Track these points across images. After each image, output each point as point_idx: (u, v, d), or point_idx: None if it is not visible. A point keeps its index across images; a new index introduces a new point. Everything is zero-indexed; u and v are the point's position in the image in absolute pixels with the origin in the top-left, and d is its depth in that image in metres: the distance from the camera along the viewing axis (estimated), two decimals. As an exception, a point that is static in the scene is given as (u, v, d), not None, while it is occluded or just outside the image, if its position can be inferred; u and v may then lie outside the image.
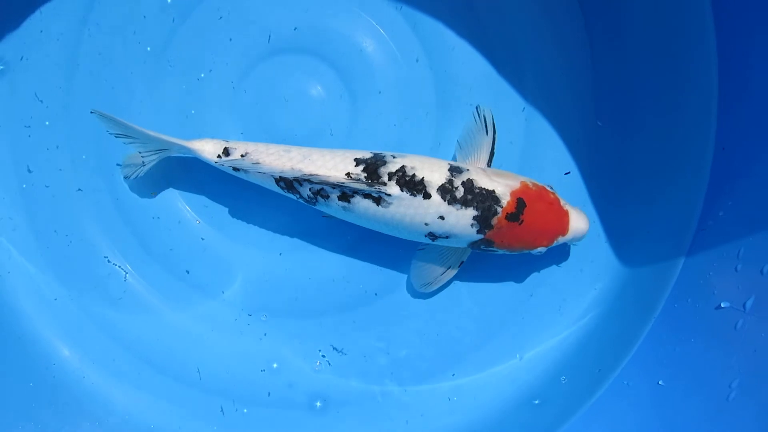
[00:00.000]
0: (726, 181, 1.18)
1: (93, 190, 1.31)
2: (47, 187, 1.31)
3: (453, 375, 1.29)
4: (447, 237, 1.15)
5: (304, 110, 1.30)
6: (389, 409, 1.28)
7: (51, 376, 1.27)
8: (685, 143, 1.24)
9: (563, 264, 1.29)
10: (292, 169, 1.15)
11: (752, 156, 1.12)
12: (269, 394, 1.29)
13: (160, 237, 1.31)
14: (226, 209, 1.31)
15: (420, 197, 1.12)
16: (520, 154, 1.29)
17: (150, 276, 1.31)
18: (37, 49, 1.29)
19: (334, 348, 1.30)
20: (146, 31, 1.30)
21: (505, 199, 1.12)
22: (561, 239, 1.16)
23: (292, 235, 1.31)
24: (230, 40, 1.30)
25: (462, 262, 1.23)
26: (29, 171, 1.30)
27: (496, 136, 1.21)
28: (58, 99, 1.30)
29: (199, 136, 1.22)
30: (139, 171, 1.24)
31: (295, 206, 1.27)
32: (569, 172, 1.29)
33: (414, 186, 1.12)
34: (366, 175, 1.13)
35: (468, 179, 1.13)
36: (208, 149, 1.20)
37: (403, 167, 1.13)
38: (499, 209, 1.12)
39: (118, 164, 1.30)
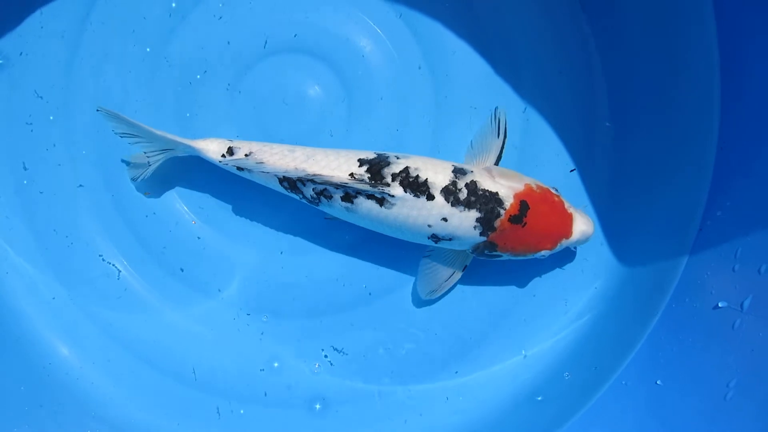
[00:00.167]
0: (724, 181, 1.18)
1: (92, 190, 1.31)
2: (45, 185, 1.31)
3: (456, 373, 1.29)
4: (450, 239, 1.15)
5: (302, 111, 1.30)
6: (388, 408, 1.29)
7: (48, 376, 1.27)
8: (686, 143, 1.24)
9: (563, 263, 1.29)
10: (296, 169, 1.15)
11: (750, 156, 1.12)
12: (266, 394, 1.29)
13: (159, 236, 1.31)
14: (226, 209, 1.31)
15: (423, 198, 1.12)
16: (520, 154, 1.29)
17: (149, 276, 1.31)
18: (37, 45, 1.29)
19: (334, 348, 1.30)
20: (145, 30, 1.30)
21: (509, 201, 1.12)
22: (565, 242, 1.16)
23: (292, 235, 1.31)
24: (228, 43, 1.30)
25: (465, 266, 1.23)
26: (25, 168, 1.30)
27: (506, 140, 1.21)
28: (57, 96, 1.30)
29: (197, 137, 1.22)
30: (145, 172, 1.24)
31: (294, 206, 1.28)
32: (574, 169, 1.29)
33: (417, 187, 1.12)
34: (369, 175, 1.13)
35: (471, 181, 1.13)
36: (212, 149, 1.19)
37: (406, 168, 1.13)
38: (502, 211, 1.12)
39: (123, 160, 1.30)
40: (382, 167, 1.13)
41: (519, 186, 1.13)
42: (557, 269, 1.29)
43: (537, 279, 1.29)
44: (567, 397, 1.25)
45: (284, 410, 1.29)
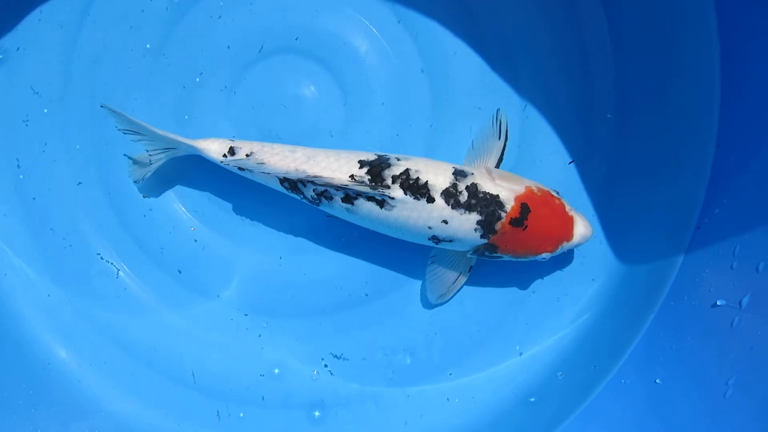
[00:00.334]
0: (722, 178, 1.18)
1: (90, 189, 1.31)
2: (42, 183, 1.31)
3: (450, 374, 1.29)
4: (450, 241, 1.15)
5: (300, 113, 1.30)
6: (388, 410, 1.28)
7: (47, 376, 1.27)
8: (684, 140, 1.24)
9: (562, 262, 1.29)
10: (297, 170, 1.15)
11: (748, 153, 1.12)
12: (263, 398, 1.29)
13: (157, 237, 1.31)
14: (225, 209, 1.31)
15: (423, 201, 1.11)
16: (519, 152, 1.29)
17: (148, 277, 1.31)
18: (35, 40, 1.29)
19: (334, 356, 1.30)
20: (143, 28, 1.30)
21: (510, 204, 1.12)
22: (566, 245, 1.16)
23: (291, 236, 1.31)
24: (228, 47, 1.30)
25: (471, 267, 1.23)
26: (18, 166, 1.30)
27: (507, 142, 1.21)
28: (54, 92, 1.30)
29: (196, 137, 1.22)
30: (147, 172, 1.24)
31: (295, 207, 1.28)
32: (573, 161, 1.28)
33: (418, 189, 1.12)
34: (370, 177, 1.13)
35: (472, 183, 1.12)
36: (213, 148, 1.20)
37: (407, 170, 1.13)
38: (503, 214, 1.11)
39: (124, 154, 1.30)
40: (383, 169, 1.13)
41: (520, 188, 1.13)
42: (555, 269, 1.29)
43: (535, 279, 1.29)
44: (566, 396, 1.25)
45: (284, 414, 1.29)
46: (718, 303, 1.08)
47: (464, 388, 1.29)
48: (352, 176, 1.13)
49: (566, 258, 1.28)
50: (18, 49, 1.29)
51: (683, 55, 1.23)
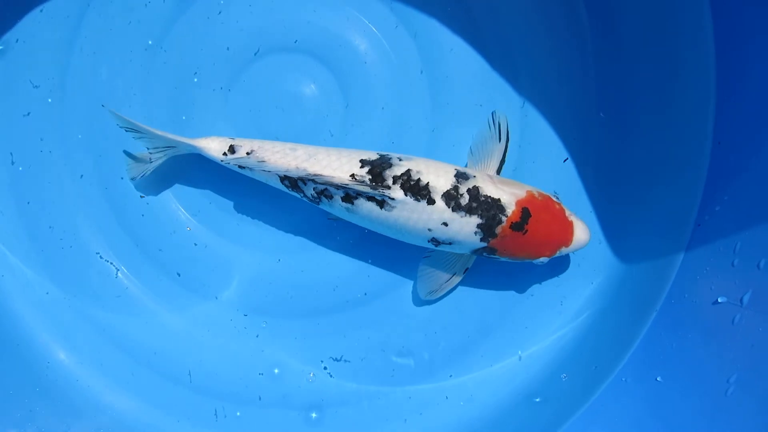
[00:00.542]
0: (722, 175, 1.18)
1: (88, 186, 1.31)
2: (40, 180, 1.30)
3: (450, 374, 1.29)
4: (450, 243, 1.15)
5: (300, 112, 1.30)
6: (387, 409, 1.28)
7: (45, 377, 1.27)
8: (682, 138, 1.24)
9: (560, 262, 1.29)
10: (297, 168, 1.14)
11: (748, 150, 1.12)
12: (260, 398, 1.29)
13: (156, 237, 1.31)
14: (224, 209, 1.31)
15: (424, 203, 1.11)
16: (518, 151, 1.29)
17: (147, 278, 1.31)
18: (35, 32, 1.29)
19: (333, 349, 1.30)
20: (144, 23, 1.29)
21: (511, 208, 1.11)
22: (564, 250, 1.16)
23: (290, 236, 1.31)
24: (227, 48, 1.30)
25: (467, 269, 1.23)
26: (12, 162, 1.30)
27: (509, 143, 1.20)
28: (54, 85, 1.30)
29: (194, 136, 1.21)
30: (145, 170, 1.24)
31: (294, 206, 1.28)
32: (567, 159, 1.28)
33: (418, 191, 1.11)
34: (371, 177, 1.12)
35: (474, 186, 1.12)
36: (213, 147, 1.19)
37: (408, 171, 1.12)
38: (504, 218, 1.11)
39: (124, 151, 1.29)
40: (384, 169, 1.12)
41: (521, 193, 1.13)
42: (555, 269, 1.29)
43: (535, 278, 1.29)
44: (567, 395, 1.25)
45: (283, 413, 1.29)
46: (719, 300, 1.08)
47: (464, 388, 1.28)
48: (352, 175, 1.12)
49: (566, 258, 1.28)
50: (17, 41, 1.29)
51: (680, 53, 1.23)
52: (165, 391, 1.29)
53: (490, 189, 1.12)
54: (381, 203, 1.12)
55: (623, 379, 1.21)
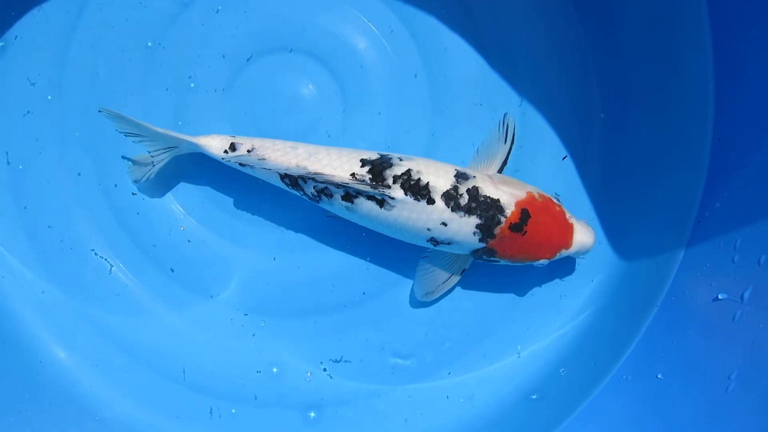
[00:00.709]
0: (722, 172, 1.18)
1: (86, 185, 1.30)
2: (37, 179, 1.30)
3: (449, 373, 1.28)
4: (449, 243, 1.15)
5: (298, 112, 1.29)
6: (388, 408, 1.28)
7: (44, 376, 1.27)
8: (681, 135, 1.24)
9: (560, 261, 1.27)
10: (297, 166, 1.14)
11: (748, 147, 1.12)
12: (255, 397, 1.29)
13: (155, 236, 1.31)
14: (222, 207, 1.31)
15: (423, 202, 1.11)
16: (517, 149, 1.28)
17: (145, 277, 1.31)
18: (34, 30, 1.29)
19: (332, 348, 1.29)
20: (142, 22, 1.29)
21: (510, 209, 1.11)
22: (564, 252, 1.16)
23: (289, 235, 1.31)
24: (224, 52, 1.29)
25: (464, 270, 1.23)
26: (8, 162, 1.30)
27: (513, 147, 1.21)
28: (52, 82, 1.29)
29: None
30: (149, 172, 1.24)
31: (293, 205, 1.27)
32: (566, 156, 1.28)
33: (418, 190, 1.11)
34: (371, 176, 1.12)
35: (473, 186, 1.12)
36: (214, 145, 1.19)
37: (408, 171, 1.12)
38: (503, 219, 1.11)
39: (123, 156, 1.29)
40: (384, 168, 1.12)
41: (521, 194, 1.13)
42: (555, 266, 1.28)
43: (535, 277, 1.29)
44: (568, 393, 1.25)
45: (280, 413, 1.28)
46: (720, 297, 1.07)
47: (464, 387, 1.28)
48: (353, 174, 1.12)
49: (566, 258, 1.28)
50: (16, 38, 1.29)
51: (678, 50, 1.23)
52: (161, 389, 1.29)
53: (489, 189, 1.12)
54: (381, 202, 1.12)
55: (624, 376, 1.20)
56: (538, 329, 1.29)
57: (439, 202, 1.11)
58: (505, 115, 1.22)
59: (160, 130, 1.19)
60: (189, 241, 1.31)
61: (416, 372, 1.29)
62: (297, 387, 1.29)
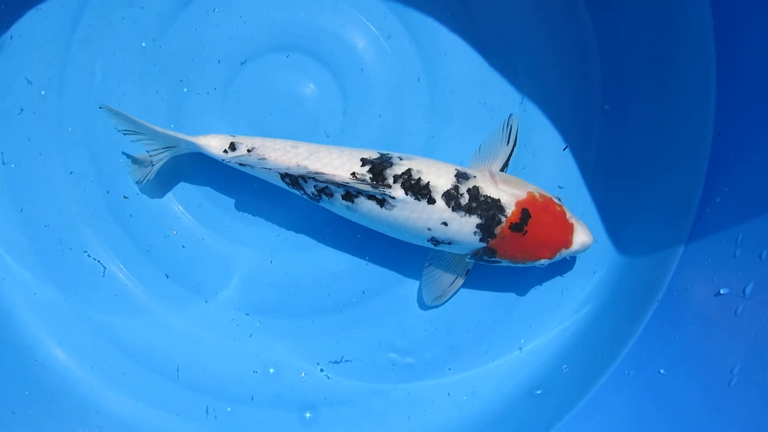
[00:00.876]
0: (723, 167, 1.18)
1: (84, 184, 1.30)
2: (35, 177, 1.30)
3: (450, 369, 1.29)
4: (449, 243, 1.15)
5: (297, 112, 1.29)
6: (390, 406, 1.28)
7: (44, 376, 1.26)
8: (682, 130, 1.24)
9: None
10: (298, 165, 1.14)
11: (749, 142, 1.12)
12: (252, 398, 1.29)
13: (155, 236, 1.31)
14: (221, 207, 1.30)
15: (424, 202, 1.11)
16: (521, 146, 1.27)
17: (144, 277, 1.31)
18: (31, 30, 1.28)
19: (333, 347, 1.29)
20: (141, 21, 1.29)
21: (510, 208, 1.11)
22: (564, 252, 1.16)
23: (289, 234, 1.30)
24: (224, 48, 1.29)
25: (468, 271, 1.23)
26: (3, 163, 1.29)
27: (515, 148, 1.21)
28: (48, 82, 1.29)
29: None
30: (149, 172, 1.23)
31: (293, 205, 1.27)
32: (567, 147, 1.28)
33: (419, 190, 1.11)
34: (371, 176, 1.12)
35: (474, 186, 1.12)
36: (214, 144, 1.19)
37: (409, 170, 1.12)
38: (503, 219, 1.11)
39: (123, 152, 1.29)
40: (385, 168, 1.12)
41: (521, 194, 1.13)
42: (556, 261, 1.28)
43: (535, 272, 1.29)
44: (569, 388, 1.25)
45: (278, 413, 1.28)
46: (722, 292, 1.08)
47: (467, 383, 1.28)
48: (353, 174, 1.12)
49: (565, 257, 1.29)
50: (11, 38, 1.28)
51: (680, 45, 1.23)
52: (159, 388, 1.28)
53: (490, 189, 1.12)
54: (381, 202, 1.12)
55: (626, 371, 1.21)
56: (538, 325, 1.29)
57: (440, 202, 1.11)
58: (510, 116, 1.22)
59: (159, 129, 1.19)
60: (190, 242, 1.30)
61: (417, 370, 1.29)
62: (296, 386, 1.28)
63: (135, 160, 1.27)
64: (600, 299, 1.28)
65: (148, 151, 1.22)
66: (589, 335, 1.27)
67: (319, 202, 1.18)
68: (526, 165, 1.28)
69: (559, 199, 1.17)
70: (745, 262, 1.05)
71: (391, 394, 1.28)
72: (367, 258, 1.30)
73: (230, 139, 1.18)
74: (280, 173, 1.16)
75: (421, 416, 1.28)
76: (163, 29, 1.29)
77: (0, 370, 1.23)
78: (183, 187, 1.30)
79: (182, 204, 1.31)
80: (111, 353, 1.29)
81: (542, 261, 1.16)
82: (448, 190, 1.11)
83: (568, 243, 1.15)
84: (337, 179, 1.12)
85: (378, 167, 1.12)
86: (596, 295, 1.28)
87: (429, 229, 1.13)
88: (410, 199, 1.11)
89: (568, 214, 1.16)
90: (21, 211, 1.30)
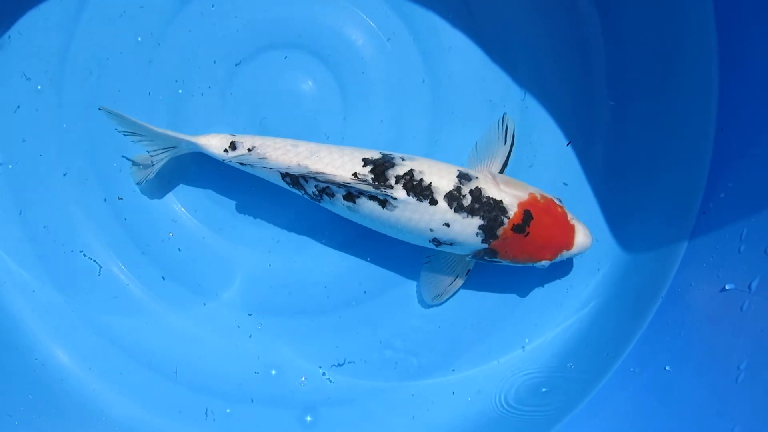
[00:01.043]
0: (726, 162, 1.18)
1: (84, 184, 1.29)
2: (34, 176, 1.29)
3: (453, 368, 1.28)
4: (451, 244, 1.14)
5: (296, 110, 1.28)
6: (394, 405, 1.28)
7: (45, 375, 1.26)
8: (685, 126, 1.24)
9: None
10: (299, 165, 1.13)
11: (752, 136, 1.12)
12: (252, 400, 1.28)
13: (157, 236, 1.30)
14: (223, 208, 1.30)
15: (426, 203, 1.10)
16: (519, 143, 1.27)
17: (144, 277, 1.30)
18: (30, 29, 1.27)
19: (335, 347, 1.29)
20: (137, 21, 1.28)
21: (512, 210, 1.11)
22: (565, 253, 1.16)
23: (291, 234, 1.30)
24: (223, 46, 1.28)
25: (469, 270, 1.23)
26: (2, 162, 1.28)
27: (513, 147, 1.20)
28: (47, 82, 1.28)
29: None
30: (149, 173, 1.22)
31: (294, 205, 1.27)
32: (570, 142, 1.28)
33: (421, 191, 1.10)
34: (373, 176, 1.11)
35: (476, 187, 1.11)
36: (214, 144, 1.18)
37: (411, 171, 1.11)
38: (506, 220, 1.11)
39: (123, 155, 1.28)
40: (387, 168, 1.11)
41: (523, 195, 1.13)
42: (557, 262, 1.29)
43: (539, 270, 1.27)
44: (574, 385, 1.25)
45: (282, 413, 1.28)
46: (727, 287, 1.08)
47: (471, 382, 1.28)
48: (355, 174, 1.11)
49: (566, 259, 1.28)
50: (9, 37, 1.27)
51: (681, 40, 1.23)
52: (161, 389, 1.28)
53: (492, 190, 1.12)
54: (383, 203, 1.11)
55: (630, 368, 1.21)
56: (542, 322, 1.29)
57: (442, 203, 1.10)
58: (504, 115, 1.21)
59: (159, 129, 1.18)
60: (185, 246, 1.30)
61: (420, 369, 1.28)
62: (299, 387, 1.28)
63: (135, 161, 1.26)
64: (603, 296, 1.28)
65: (148, 152, 1.21)
66: (592, 333, 1.27)
67: (320, 202, 1.17)
68: (533, 163, 1.28)
69: (560, 201, 1.17)
70: (750, 257, 1.05)
71: (394, 394, 1.28)
72: (368, 258, 1.29)
73: (231, 139, 1.18)
74: (280, 173, 1.15)
75: (426, 415, 1.27)
76: (162, 27, 1.28)
77: (2, 369, 1.22)
78: (183, 188, 1.30)
79: (182, 204, 1.30)
80: (112, 354, 1.28)
81: (543, 262, 1.16)
82: (450, 191, 1.11)
83: (569, 244, 1.15)
84: (339, 179, 1.11)
85: (380, 167, 1.12)
86: (600, 293, 1.28)
87: (431, 230, 1.12)
88: (412, 199, 1.10)
89: (569, 216, 1.16)
90: (20, 213, 1.29)
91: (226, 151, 1.17)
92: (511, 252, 1.14)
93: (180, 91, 1.28)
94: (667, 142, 1.25)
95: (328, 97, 1.28)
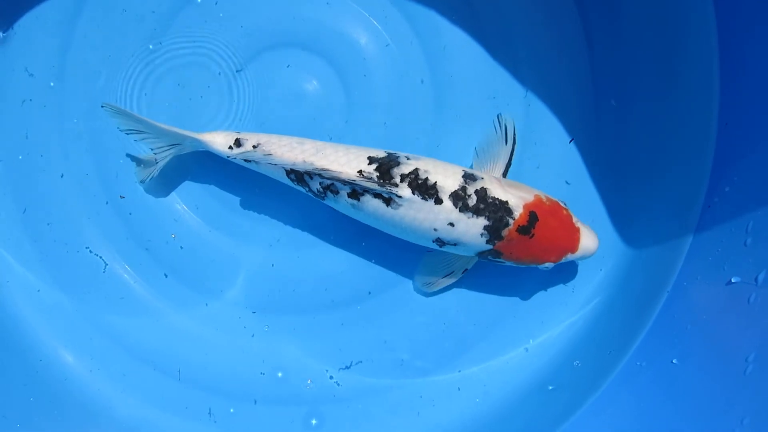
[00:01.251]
0: (730, 156, 1.18)
1: (85, 185, 1.29)
2: (39, 176, 1.29)
3: (459, 366, 1.28)
4: (455, 244, 1.14)
5: (299, 110, 1.29)
6: (399, 403, 1.27)
7: (47, 376, 1.25)
8: (688, 121, 1.24)
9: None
10: (304, 162, 1.13)
11: (756, 130, 1.12)
12: (255, 402, 1.28)
13: (159, 236, 1.30)
14: (227, 206, 1.29)
15: (431, 202, 1.10)
16: (522, 142, 1.28)
17: (149, 276, 1.30)
18: (32, 24, 1.27)
19: (339, 346, 1.29)
20: (139, 20, 1.28)
21: (518, 211, 1.11)
22: (570, 256, 1.15)
23: (294, 233, 1.30)
24: (227, 45, 1.29)
25: (466, 270, 1.23)
26: (2, 159, 1.28)
27: (515, 147, 1.20)
28: (49, 78, 1.28)
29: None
30: (153, 171, 1.22)
31: (298, 203, 1.27)
32: (572, 139, 1.28)
33: (426, 190, 1.10)
34: (378, 174, 1.11)
35: (482, 188, 1.11)
36: (219, 141, 1.17)
37: (416, 170, 1.11)
38: (511, 221, 1.11)
39: (127, 154, 1.28)
40: (392, 167, 1.11)
41: (529, 196, 1.12)
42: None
43: (541, 270, 1.28)
44: (581, 381, 1.25)
45: (287, 411, 1.28)
46: (733, 280, 1.08)
47: (476, 379, 1.28)
48: (360, 171, 1.11)
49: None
50: (14, 32, 1.26)
51: (683, 35, 1.24)
52: (163, 389, 1.28)
53: (498, 191, 1.12)
54: (387, 201, 1.11)
55: (638, 363, 1.20)
56: (547, 319, 1.29)
57: (447, 203, 1.10)
58: (498, 115, 1.21)
59: (163, 126, 1.17)
60: (188, 244, 1.29)
61: (425, 367, 1.28)
62: (305, 386, 1.28)
63: (139, 160, 1.26)
64: (608, 292, 1.28)
65: (152, 149, 1.21)
66: (598, 329, 1.27)
67: (324, 199, 1.17)
68: (540, 164, 1.28)
69: (565, 204, 1.17)
70: (756, 249, 1.05)
71: (399, 392, 1.28)
72: (372, 260, 1.29)
73: (235, 136, 1.17)
74: (285, 169, 1.15)
75: (431, 413, 1.27)
76: (165, 25, 1.28)
77: (4, 369, 1.22)
78: (187, 186, 1.29)
79: (186, 203, 1.30)
80: (115, 354, 1.28)
81: (547, 264, 1.16)
82: (455, 191, 1.10)
83: (574, 247, 1.15)
84: (344, 176, 1.11)
85: (385, 166, 1.12)
86: (605, 288, 1.28)
87: (435, 229, 1.12)
88: (417, 198, 1.10)
89: (575, 219, 1.16)
90: (24, 212, 1.28)
91: (230, 148, 1.17)
92: (515, 253, 1.14)
93: (182, 91, 1.28)
94: (670, 136, 1.25)
95: (332, 98, 1.29)
